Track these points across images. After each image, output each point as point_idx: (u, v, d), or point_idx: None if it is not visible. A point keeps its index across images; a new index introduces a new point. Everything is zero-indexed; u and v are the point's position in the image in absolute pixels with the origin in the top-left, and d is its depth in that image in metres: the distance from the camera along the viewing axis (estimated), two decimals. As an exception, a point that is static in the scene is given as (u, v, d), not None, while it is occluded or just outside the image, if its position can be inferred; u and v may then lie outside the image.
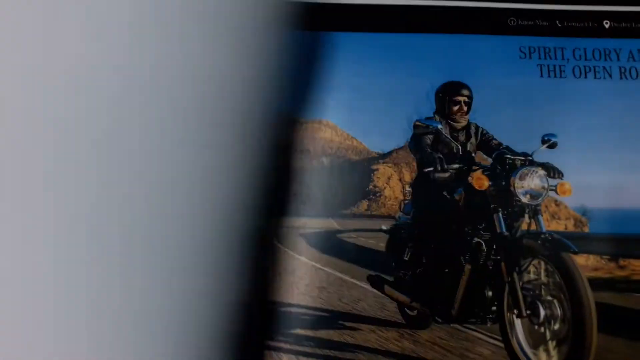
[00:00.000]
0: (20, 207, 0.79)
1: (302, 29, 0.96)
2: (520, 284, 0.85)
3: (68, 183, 0.79)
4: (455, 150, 0.96)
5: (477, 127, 1.00)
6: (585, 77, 0.98)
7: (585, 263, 0.89)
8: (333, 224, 0.90)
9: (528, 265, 0.86)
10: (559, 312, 0.83)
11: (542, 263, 0.86)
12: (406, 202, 0.95)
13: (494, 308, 0.88)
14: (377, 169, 0.95)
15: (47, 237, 0.78)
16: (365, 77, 0.95)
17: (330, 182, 0.92)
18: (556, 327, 0.82)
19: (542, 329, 0.83)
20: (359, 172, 0.94)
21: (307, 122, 0.94)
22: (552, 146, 0.92)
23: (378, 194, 0.94)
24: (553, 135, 0.93)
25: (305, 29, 0.96)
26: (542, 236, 0.86)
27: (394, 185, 0.95)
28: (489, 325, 0.90)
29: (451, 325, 0.91)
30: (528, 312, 0.83)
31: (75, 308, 0.77)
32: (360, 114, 0.94)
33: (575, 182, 0.90)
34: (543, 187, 0.88)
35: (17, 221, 0.78)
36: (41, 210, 0.78)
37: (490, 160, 0.95)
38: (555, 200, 0.94)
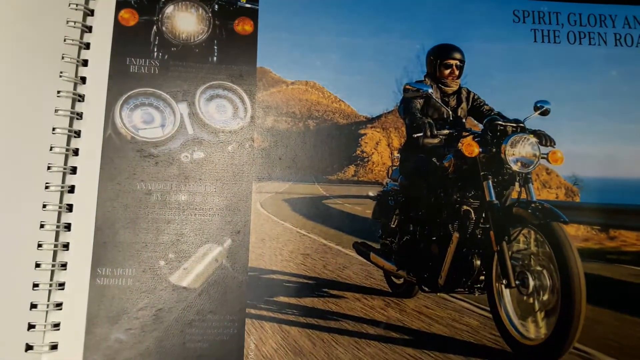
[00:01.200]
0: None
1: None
2: (510, 253, 0.82)
3: None
4: (445, 116, 0.91)
5: (468, 92, 0.95)
6: (580, 43, 0.93)
7: (575, 233, 0.86)
8: (319, 189, 0.85)
9: (518, 235, 0.83)
10: (548, 282, 0.80)
11: (532, 232, 0.83)
12: (394, 168, 0.90)
13: (482, 278, 0.85)
14: (365, 134, 0.90)
15: None
16: (355, 37, 0.90)
17: (317, 146, 0.87)
18: (545, 297, 0.79)
19: (531, 300, 0.80)
20: (347, 136, 0.89)
21: (294, 83, 0.89)
22: (545, 113, 0.89)
23: (366, 160, 0.89)
24: (546, 102, 0.89)
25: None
26: (533, 205, 0.82)
27: (382, 151, 0.90)
28: (476, 295, 0.87)
29: (438, 294, 0.88)
30: (517, 282, 0.80)
31: None
32: (349, 76, 0.89)
33: (567, 150, 0.87)
34: (534, 155, 0.85)
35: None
36: None
37: (481, 126, 0.91)
38: (547, 169, 0.91)
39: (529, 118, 0.88)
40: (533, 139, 0.85)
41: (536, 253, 0.83)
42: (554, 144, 0.87)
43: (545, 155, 0.86)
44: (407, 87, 0.90)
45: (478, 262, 0.85)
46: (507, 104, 0.91)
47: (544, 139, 0.87)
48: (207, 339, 0.77)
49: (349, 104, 0.90)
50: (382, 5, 0.91)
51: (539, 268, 0.82)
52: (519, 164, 0.85)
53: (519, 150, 0.84)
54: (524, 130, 0.87)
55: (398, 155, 0.90)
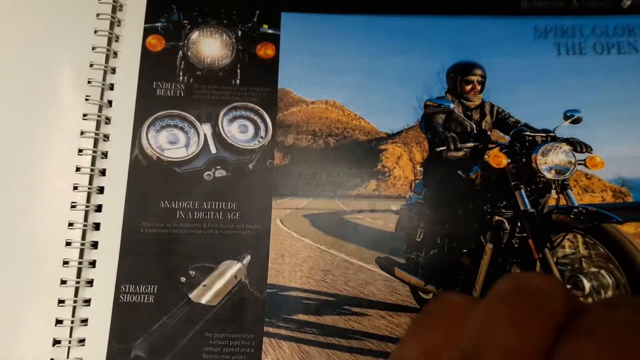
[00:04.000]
0: None
1: (309, 10, 0.84)
2: (555, 259, 0.69)
3: None
4: (469, 129, 0.81)
5: (492, 106, 0.84)
6: (609, 52, 0.82)
7: (635, 231, 0.70)
8: (339, 204, 0.76)
9: (562, 240, 0.71)
10: (609, 280, 0.66)
11: (579, 237, 0.70)
12: (417, 181, 0.80)
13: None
14: (386, 149, 0.80)
15: None
16: (374, 58, 0.82)
17: (337, 163, 0.78)
18: (609, 294, 0.65)
19: (590, 299, 0.66)
20: (367, 152, 0.80)
21: (314, 102, 0.81)
22: (576, 121, 0.77)
23: (387, 174, 0.79)
24: (576, 110, 0.77)
25: (312, 10, 0.84)
26: (575, 210, 0.70)
27: (404, 165, 0.80)
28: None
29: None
30: (569, 286, 0.67)
31: None
32: (369, 94, 0.80)
33: (608, 154, 0.75)
34: (570, 162, 0.73)
35: None
36: None
37: (507, 137, 0.80)
38: (586, 174, 0.77)
39: (559, 127, 0.77)
40: (566, 147, 0.74)
41: (587, 256, 0.70)
42: (591, 149, 0.75)
43: (582, 162, 0.74)
44: (428, 103, 0.80)
45: (518, 271, 0.73)
46: (535, 115, 0.80)
47: (578, 146, 0.75)
48: (224, 358, 0.67)
49: (369, 121, 0.81)
50: (401, 27, 0.83)
51: (594, 269, 0.68)
52: (553, 171, 0.73)
53: (551, 159, 0.73)
54: (554, 139, 0.75)
55: (421, 168, 0.80)
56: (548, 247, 0.70)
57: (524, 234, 0.74)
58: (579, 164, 0.73)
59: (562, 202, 0.74)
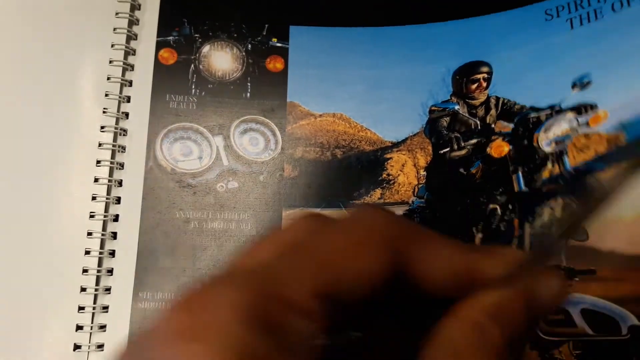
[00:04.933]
0: None
1: (317, 24, 0.85)
2: (531, 231, 0.69)
3: None
4: (473, 127, 0.80)
5: (497, 99, 0.81)
6: (629, 5, 0.73)
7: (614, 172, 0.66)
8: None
9: (542, 211, 0.70)
10: None
11: (560, 200, 0.69)
12: (420, 185, 0.80)
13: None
14: (391, 158, 0.82)
15: None
16: (378, 69, 0.83)
17: (344, 173, 0.80)
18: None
19: None
20: (373, 162, 0.81)
21: (322, 115, 0.83)
22: (586, 86, 0.72)
23: (392, 182, 0.81)
24: (585, 75, 0.72)
25: (320, 24, 0.85)
26: (564, 175, 0.69)
27: (408, 172, 0.81)
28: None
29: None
30: None
31: None
32: (374, 105, 0.82)
33: (612, 105, 0.69)
34: (571, 129, 0.71)
35: None
36: None
37: (512, 125, 0.78)
38: (586, 134, 0.73)
39: (567, 98, 0.72)
40: (570, 114, 0.71)
41: (560, 218, 0.68)
42: (596, 107, 0.70)
43: (585, 123, 0.71)
44: (433, 108, 0.80)
45: None
46: (546, 96, 0.75)
47: (583, 108, 0.71)
48: (238, 362, 0.70)
49: (374, 132, 0.82)
50: (406, 37, 0.84)
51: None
52: (552, 144, 0.71)
53: (553, 132, 0.71)
54: (559, 112, 0.72)
55: (424, 173, 0.81)
56: (530, 221, 0.70)
57: (512, 215, 0.73)
58: (581, 126, 0.71)
59: (557, 170, 0.72)
